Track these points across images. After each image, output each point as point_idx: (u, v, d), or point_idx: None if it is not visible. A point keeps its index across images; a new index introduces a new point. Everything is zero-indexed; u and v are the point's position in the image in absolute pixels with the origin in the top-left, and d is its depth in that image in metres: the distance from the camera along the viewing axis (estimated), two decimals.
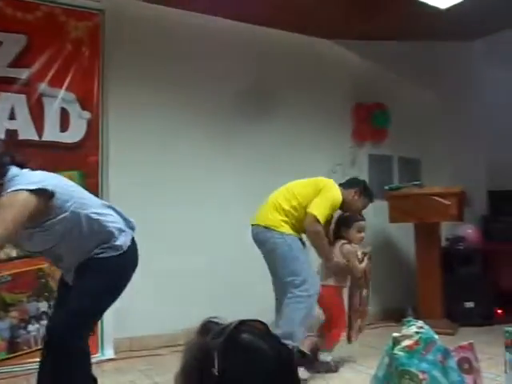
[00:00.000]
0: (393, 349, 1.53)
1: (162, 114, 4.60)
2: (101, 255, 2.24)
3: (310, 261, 3.59)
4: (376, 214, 5.32)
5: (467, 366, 1.92)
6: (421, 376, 1.45)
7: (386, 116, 5.61)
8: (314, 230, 3.47)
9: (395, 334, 1.55)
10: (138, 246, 2.43)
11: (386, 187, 5.17)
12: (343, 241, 3.74)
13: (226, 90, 4.89)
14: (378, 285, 5.47)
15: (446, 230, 5.50)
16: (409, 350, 1.50)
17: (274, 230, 3.50)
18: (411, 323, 1.58)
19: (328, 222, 3.69)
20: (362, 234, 3.80)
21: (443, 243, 5.40)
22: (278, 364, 0.85)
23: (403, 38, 5.65)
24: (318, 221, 3.44)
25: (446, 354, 1.51)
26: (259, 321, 0.92)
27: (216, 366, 0.81)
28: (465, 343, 1.98)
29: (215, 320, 0.90)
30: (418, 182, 5.23)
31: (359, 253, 3.69)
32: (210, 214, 4.69)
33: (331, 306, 3.66)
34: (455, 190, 4.90)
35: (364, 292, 3.84)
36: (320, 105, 5.37)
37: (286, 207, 3.56)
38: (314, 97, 5.35)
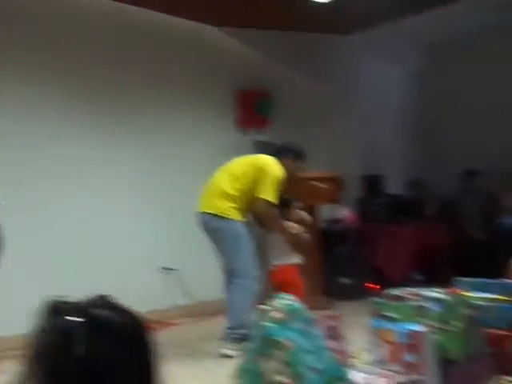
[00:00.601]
0: (263, 321, 1.63)
1: (30, 100, 4.40)
2: None
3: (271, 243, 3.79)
4: None
5: (333, 333, 2.09)
6: (287, 344, 1.56)
7: (270, 104, 5.79)
8: (269, 214, 3.59)
9: (264, 307, 1.65)
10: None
11: None
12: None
13: (102, 74, 4.77)
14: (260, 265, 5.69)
15: (325, 212, 5.83)
16: (276, 321, 1.61)
17: (225, 218, 3.58)
18: (279, 297, 1.70)
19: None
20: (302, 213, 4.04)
21: (322, 225, 5.72)
22: (135, 337, 0.88)
23: (287, 29, 5.84)
24: (271, 204, 3.53)
25: (310, 322, 1.64)
26: (108, 296, 0.91)
27: (78, 346, 0.78)
28: (331, 313, 2.15)
29: (62, 299, 0.85)
30: None
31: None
32: (83, 202, 4.60)
33: (292, 285, 3.80)
34: (332, 175, 5.21)
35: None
36: (204, 91, 5.42)
37: (233, 192, 3.63)
38: (198, 83, 5.38)
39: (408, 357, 2.00)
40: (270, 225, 3.78)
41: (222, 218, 3.61)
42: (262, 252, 4.04)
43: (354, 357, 2.30)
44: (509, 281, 2.51)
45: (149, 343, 0.93)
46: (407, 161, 7.23)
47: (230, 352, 3.45)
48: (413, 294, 2.22)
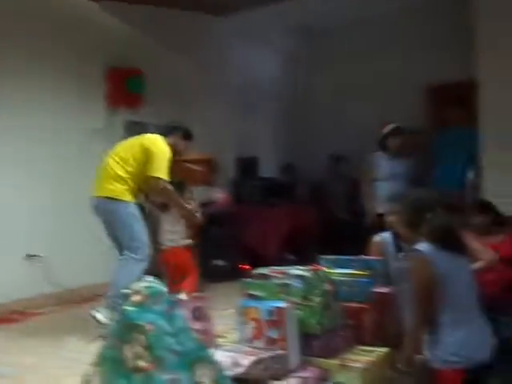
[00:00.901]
0: (123, 305, 1.58)
1: None
2: None
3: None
4: None
5: (199, 314, 2.09)
6: (147, 327, 1.52)
7: (141, 81, 5.60)
8: (165, 190, 3.74)
9: (125, 291, 1.60)
10: None
11: None
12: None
13: None
14: None
15: (199, 194, 5.81)
16: (138, 305, 1.56)
17: (117, 200, 3.68)
18: (142, 279, 1.65)
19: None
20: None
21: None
22: None
23: (160, 4, 5.67)
24: (164, 180, 3.69)
25: (172, 304, 1.61)
26: None
27: None
28: (198, 294, 2.14)
29: None
30: None
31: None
32: None
33: (184, 267, 4.02)
34: (206, 157, 5.20)
35: None
36: (73, 68, 5.10)
37: (124, 174, 3.72)
38: (67, 59, 5.05)
39: (271, 333, 2.06)
40: (167, 200, 4.01)
41: (115, 200, 3.70)
42: (154, 233, 4.13)
43: (221, 336, 2.33)
44: (368, 257, 2.69)
45: None
46: (280, 144, 7.44)
47: (100, 317, 3.51)
48: (278, 272, 2.29)
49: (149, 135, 3.91)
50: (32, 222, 4.75)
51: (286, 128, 7.46)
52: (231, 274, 5.52)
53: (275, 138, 7.43)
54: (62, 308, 4.60)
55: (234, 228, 5.84)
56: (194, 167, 5.07)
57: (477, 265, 2.60)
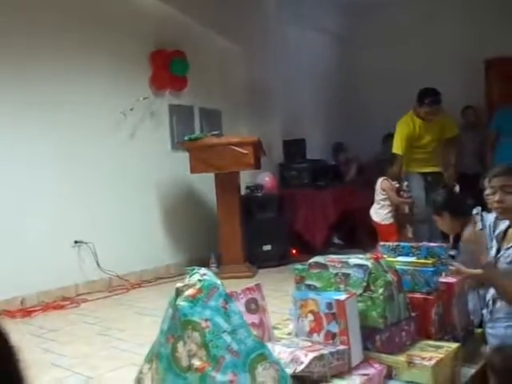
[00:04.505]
0: (176, 300, 1.47)
1: None
2: None
3: None
4: (177, 164, 5.29)
5: (254, 306, 1.97)
6: (203, 324, 1.41)
7: (185, 63, 5.49)
8: None
9: (178, 285, 1.49)
10: None
11: (186, 138, 5.13)
12: None
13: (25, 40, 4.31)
14: (181, 235, 5.52)
15: (246, 178, 5.71)
16: (191, 299, 1.45)
17: None
18: (194, 271, 1.54)
19: None
20: None
21: (243, 191, 5.60)
22: None
23: None
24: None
25: (227, 298, 1.49)
26: None
27: None
28: (251, 285, 2.02)
29: None
30: (216, 132, 5.28)
31: None
32: None
33: None
34: (251, 140, 5.06)
35: None
36: (116, 50, 5.03)
37: None
38: (110, 41, 4.99)
39: (331, 326, 1.92)
40: None
41: None
42: None
43: (275, 328, 2.21)
44: (430, 244, 2.50)
45: (13, 358, 0.71)
46: (328, 126, 7.22)
47: None
48: (336, 261, 2.14)
49: None
50: (81, 209, 4.74)
51: (334, 109, 7.23)
52: (279, 259, 5.43)
53: (323, 119, 7.22)
54: (109, 295, 4.59)
55: (281, 212, 5.71)
56: (240, 150, 4.93)
57: None
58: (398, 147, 4.86)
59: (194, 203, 5.74)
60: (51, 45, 4.57)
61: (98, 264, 4.72)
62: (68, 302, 4.31)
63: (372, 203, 5.02)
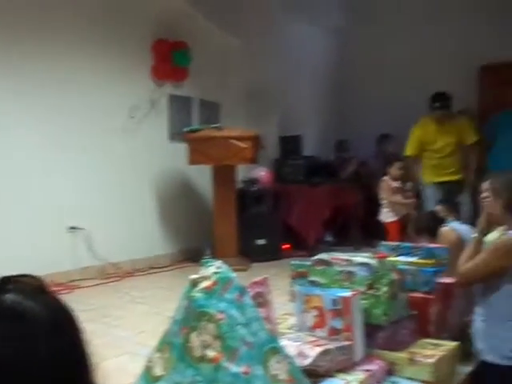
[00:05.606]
0: (191, 291, 1.49)
1: None
2: None
3: None
4: (175, 155, 5.29)
5: (261, 300, 1.99)
6: (218, 316, 1.44)
7: (187, 55, 5.48)
8: None
9: (193, 276, 1.51)
10: None
11: (186, 129, 5.13)
12: None
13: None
14: (175, 226, 5.53)
15: (242, 172, 5.73)
16: (207, 291, 1.47)
17: None
18: (209, 263, 1.56)
19: None
20: None
21: (239, 185, 5.61)
22: (51, 326, 0.71)
23: None
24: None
25: (242, 291, 1.52)
26: (30, 275, 0.76)
27: None
28: (259, 278, 2.04)
29: None
30: (216, 125, 5.28)
31: None
32: None
33: None
34: (250, 134, 5.07)
35: None
36: (117, 40, 5.01)
37: None
38: (110, 31, 4.96)
39: (335, 322, 1.96)
40: None
41: None
42: None
43: (278, 323, 2.24)
44: (431, 245, 2.55)
45: (75, 333, 0.75)
46: (325, 123, 7.24)
47: None
48: (340, 259, 2.17)
49: None
50: (76, 196, 4.73)
51: (333, 105, 7.25)
52: (272, 254, 5.46)
53: (321, 116, 7.24)
54: (102, 281, 4.59)
55: (276, 207, 5.74)
56: (239, 144, 4.95)
57: None
58: (407, 148, 4.94)
59: (190, 195, 5.75)
60: (52, 35, 4.54)
61: (92, 251, 4.72)
62: (61, 288, 4.31)
63: (366, 201, 5.12)
